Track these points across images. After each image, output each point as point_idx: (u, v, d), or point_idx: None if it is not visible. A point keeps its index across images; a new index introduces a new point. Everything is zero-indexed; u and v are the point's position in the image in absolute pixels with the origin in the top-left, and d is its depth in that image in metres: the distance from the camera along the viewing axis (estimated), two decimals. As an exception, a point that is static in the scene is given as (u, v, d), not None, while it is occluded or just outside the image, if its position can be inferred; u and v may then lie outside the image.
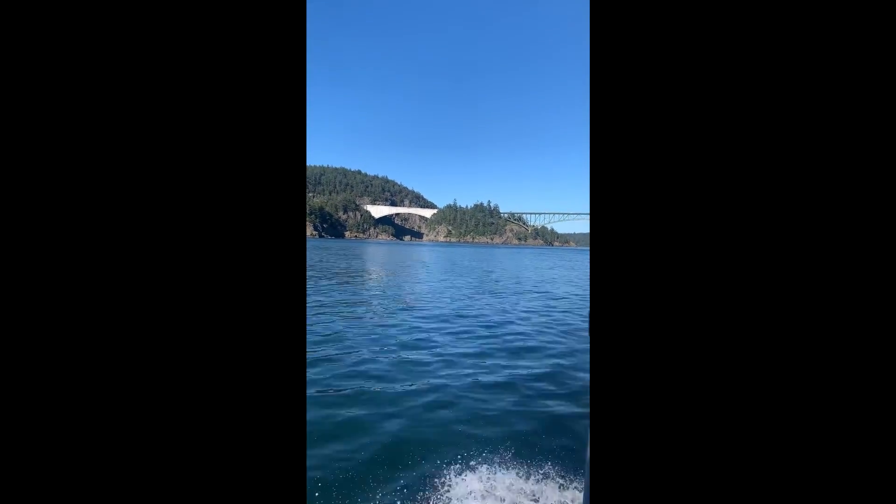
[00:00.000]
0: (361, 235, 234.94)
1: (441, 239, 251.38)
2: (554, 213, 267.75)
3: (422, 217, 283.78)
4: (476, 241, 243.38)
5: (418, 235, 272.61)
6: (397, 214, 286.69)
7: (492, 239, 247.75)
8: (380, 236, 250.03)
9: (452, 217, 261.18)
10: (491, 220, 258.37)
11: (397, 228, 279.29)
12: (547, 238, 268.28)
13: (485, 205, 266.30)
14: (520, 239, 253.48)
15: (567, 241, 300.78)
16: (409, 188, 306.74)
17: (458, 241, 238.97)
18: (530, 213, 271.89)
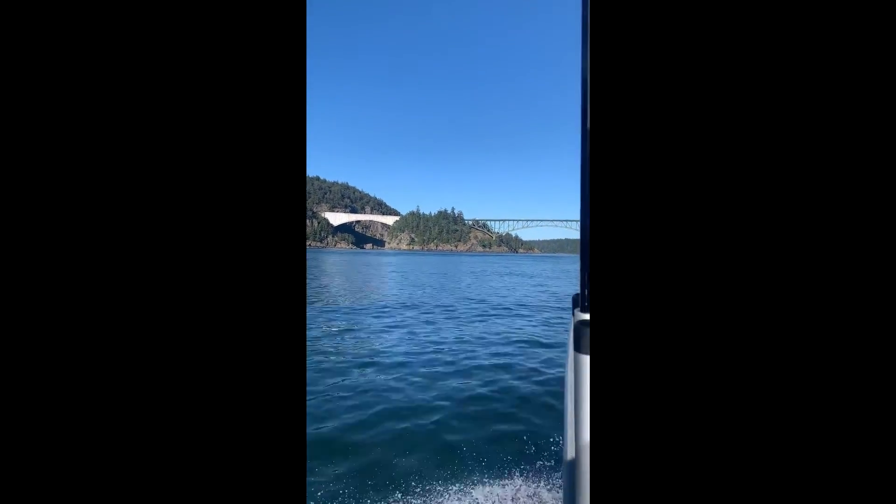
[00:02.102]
0: (318, 244, 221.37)
1: (404, 247, 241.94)
2: (518, 220, 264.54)
3: (384, 224, 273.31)
4: (440, 248, 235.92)
5: (380, 243, 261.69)
6: (358, 222, 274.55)
7: (456, 246, 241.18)
8: (339, 245, 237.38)
9: (415, 224, 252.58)
10: (455, 227, 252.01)
11: (357, 236, 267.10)
12: (512, 245, 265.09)
13: (448, 211, 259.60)
14: (484, 246, 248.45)
15: (531, 248, 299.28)
16: (371, 195, 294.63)
17: (422, 249, 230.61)
18: (494, 220, 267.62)
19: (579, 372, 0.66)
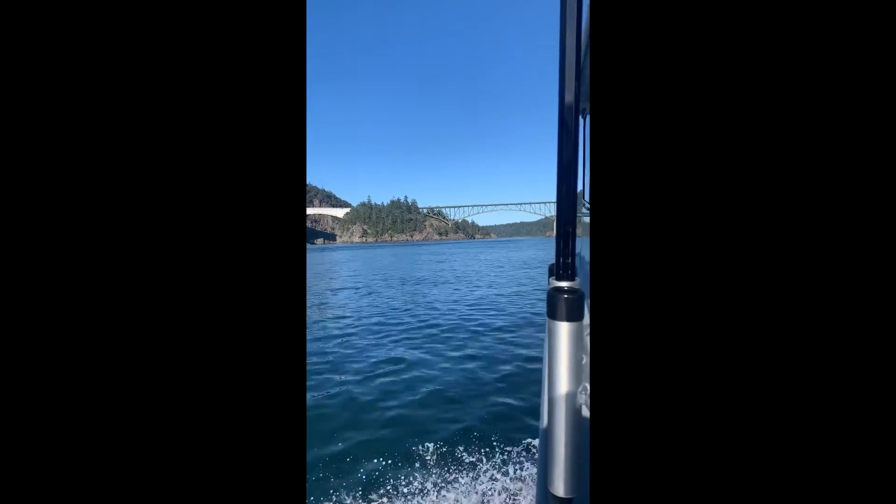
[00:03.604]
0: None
1: (356, 240, 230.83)
2: (474, 206, 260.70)
3: (334, 217, 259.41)
4: (395, 239, 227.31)
5: (331, 237, 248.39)
6: (307, 216, 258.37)
7: (412, 236, 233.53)
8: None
9: (368, 215, 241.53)
10: (409, 216, 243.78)
11: (308, 231, 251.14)
12: (468, 231, 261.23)
13: (402, 200, 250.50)
14: (440, 234, 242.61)
15: (488, 234, 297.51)
16: (319, 186, 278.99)
17: (376, 241, 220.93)
18: (450, 207, 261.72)
19: (552, 337, 0.66)
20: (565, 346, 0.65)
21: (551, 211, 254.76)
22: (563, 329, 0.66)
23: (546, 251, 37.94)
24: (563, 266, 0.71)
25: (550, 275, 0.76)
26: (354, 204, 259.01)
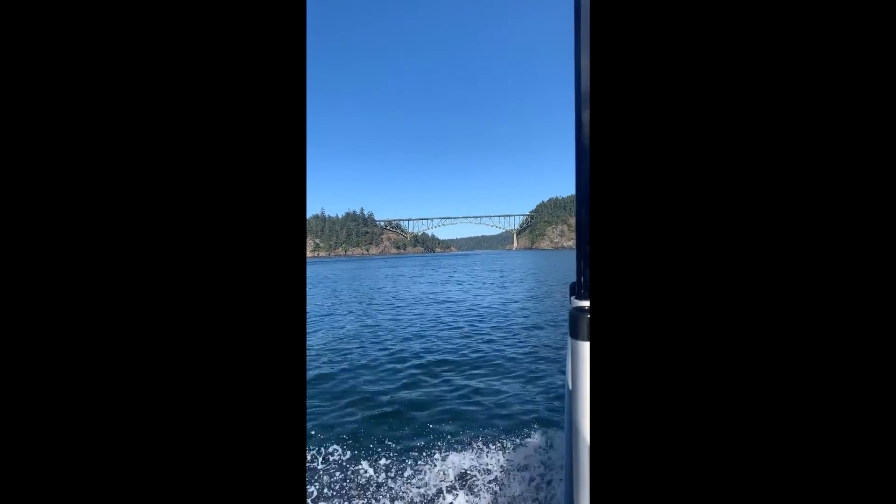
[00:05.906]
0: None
1: (308, 254, 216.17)
2: (433, 219, 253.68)
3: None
4: (350, 253, 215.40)
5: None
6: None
7: (367, 250, 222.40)
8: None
9: (320, 228, 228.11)
10: (366, 229, 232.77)
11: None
12: (428, 245, 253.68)
13: (357, 213, 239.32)
14: (398, 248, 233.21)
15: (448, 247, 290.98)
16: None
17: (329, 256, 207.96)
18: (408, 220, 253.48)
19: (575, 357, 0.66)
20: (588, 365, 0.64)
21: (511, 224, 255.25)
22: (586, 349, 0.65)
23: (499, 270, 31.35)
24: (584, 285, 0.71)
25: (572, 294, 0.76)
26: (307, 216, 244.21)
